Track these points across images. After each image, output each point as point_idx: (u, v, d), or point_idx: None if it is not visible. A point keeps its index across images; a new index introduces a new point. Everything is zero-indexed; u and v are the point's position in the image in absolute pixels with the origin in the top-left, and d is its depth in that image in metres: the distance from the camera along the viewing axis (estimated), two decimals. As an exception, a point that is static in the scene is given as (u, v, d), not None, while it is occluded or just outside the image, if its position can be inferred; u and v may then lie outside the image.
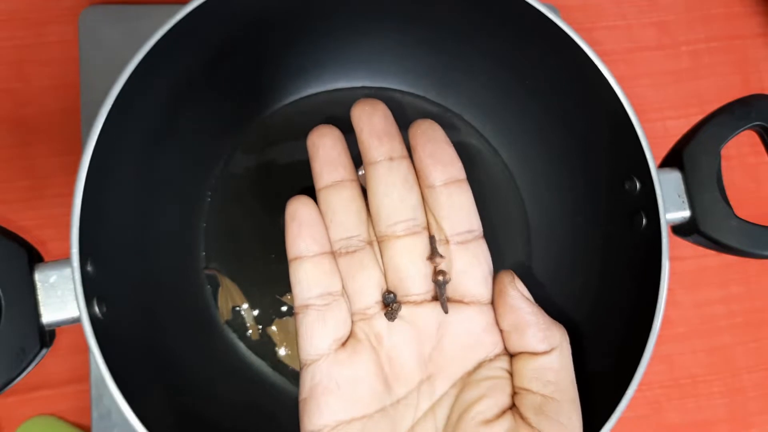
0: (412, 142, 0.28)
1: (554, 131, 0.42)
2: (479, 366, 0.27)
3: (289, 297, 0.42)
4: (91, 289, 0.31)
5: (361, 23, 0.42)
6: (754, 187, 0.52)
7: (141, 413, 0.30)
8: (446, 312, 0.27)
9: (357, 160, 0.44)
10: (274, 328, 0.42)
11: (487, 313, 0.27)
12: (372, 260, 0.28)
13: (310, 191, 0.44)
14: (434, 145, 0.27)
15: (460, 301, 0.27)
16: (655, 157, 0.34)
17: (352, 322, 0.27)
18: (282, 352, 0.42)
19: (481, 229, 0.28)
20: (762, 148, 0.37)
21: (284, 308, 0.42)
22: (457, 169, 0.27)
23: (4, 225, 0.32)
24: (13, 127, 0.46)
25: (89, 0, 0.47)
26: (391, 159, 0.28)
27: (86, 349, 0.43)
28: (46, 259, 0.32)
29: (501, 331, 0.27)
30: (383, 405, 0.26)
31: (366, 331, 0.27)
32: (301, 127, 0.45)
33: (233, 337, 0.42)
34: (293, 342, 0.42)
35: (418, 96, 0.46)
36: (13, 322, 0.30)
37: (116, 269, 0.35)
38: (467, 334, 0.27)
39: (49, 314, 0.31)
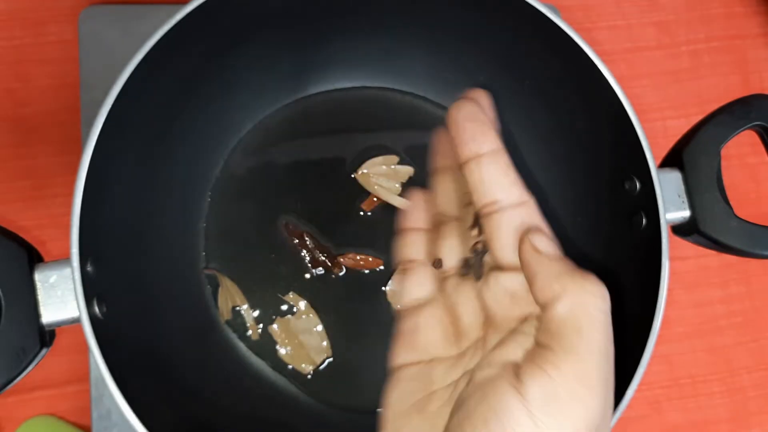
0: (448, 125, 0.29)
1: (554, 131, 0.42)
2: (523, 321, 0.28)
3: (290, 296, 0.42)
4: (90, 289, 0.31)
5: (361, 24, 0.42)
6: (754, 187, 0.52)
7: (141, 413, 0.30)
8: (477, 279, 0.30)
9: (359, 159, 0.44)
10: (275, 326, 0.42)
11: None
12: (454, 232, 0.32)
13: (312, 190, 0.44)
14: (459, 125, 0.28)
15: (508, 269, 0.28)
16: (655, 157, 0.35)
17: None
18: (282, 351, 0.42)
19: (521, 197, 0.28)
20: (762, 148, 0.37)
21: (284, 307, 0.42)
22: (487, 142, 0.28)
23: (4, 225, 0.32)
24: (13, 126, 0.46)
25: (89, 0, 0.47)
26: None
27: (86, 349, 0.43)
28: (46, 259, 0.32)
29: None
30: (446, 354, 0.30)
31: (440, 290, 0.32)
32: (301, 127, 0.45)
33: (233, 337, 0.42)
34: (294, 340, 0.42)
35: (417, 96, 0.46)
36: (13, 322, 0.30)
37: (116, 269, 0.35)
38: (511, 295, 0.28)
39: (49, 314, 0.31)
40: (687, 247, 0.38)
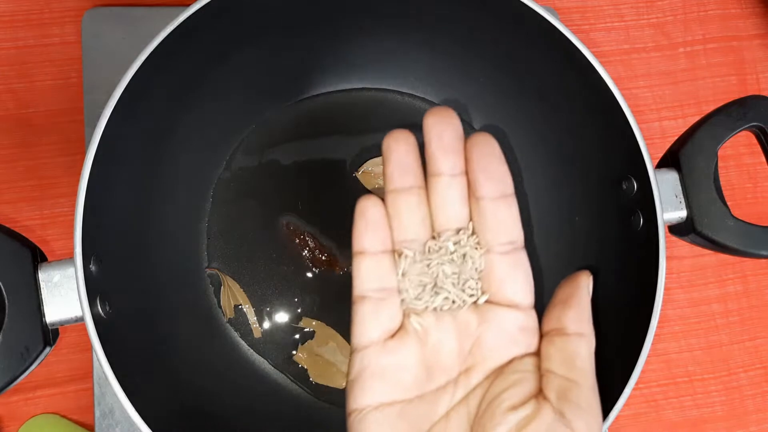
0: (468, 154, 0.29)
1: (552, 132, 0.42)
2: (511, 361, 0.29)
3: (303, 322, 0.42)
4: (94, 289, 0.31)
5: (362, 25, 0.42)
6: (750, 187, 0.52)
7: (143, 411, 0.30)
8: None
9: (359, 159, 0.45)
10: (301, 355, 0.42)
11: (524, 316, 0.29)
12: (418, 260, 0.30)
13: (313, 190, 0.44)
14: (488, 160, 0.29)
15: (499, 304, 0.29)
16: (652, 158, 0.35)
17: (405, 315, 0.29)
18: (315, 378, 0.42)
19: (522, 240, 0.29)
20: (758, 148, 0.37)
21: (297, 336, 0.43)
22: (506, 185, 0.29)
23: (9, 225, 0.32)
24: (17, 127, 0.46)
25: (92, 2, 0.47)
26: (452, 175, 0.29)
27: (89, 347, 0.43)
28: (49, 258, 0.32)
29: (548, 312, 0.29)
30: (423, 391, 0.28)
31: (415, 324, 0.29)
32: (302, 128, 0.45)
33: (235, 335, 0.42)
34: (321, 362, 0.42)
35: (417, 97, 0.46)
36: (17, 321, 0.30)
37: (119, 268, 0.35)
38: (503, 333, 0.29)
39: (52, 313, 0.31)
40: (684, 246, 0.38)
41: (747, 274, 0.51)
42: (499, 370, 0.28)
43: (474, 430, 0.27)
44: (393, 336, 0.29)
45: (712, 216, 0.35)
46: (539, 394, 0.27)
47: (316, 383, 0.42)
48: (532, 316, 0.29)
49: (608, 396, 0.33)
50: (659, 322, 0.33)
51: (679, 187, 0.36)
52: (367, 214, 0.28)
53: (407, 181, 0.29)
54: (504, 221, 0.29)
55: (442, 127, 0.29)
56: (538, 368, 0.28)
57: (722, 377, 0.49)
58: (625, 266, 0.37)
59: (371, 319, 0.28)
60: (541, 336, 0.29)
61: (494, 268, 0.29)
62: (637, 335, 0.33)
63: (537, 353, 0.29)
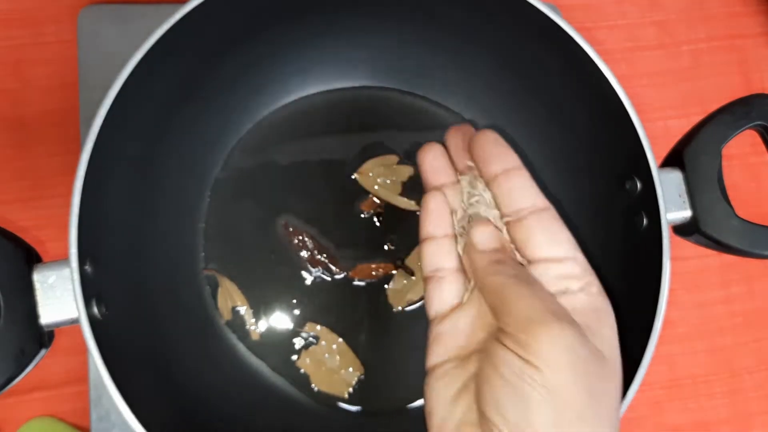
0: (470, 150, 0.33)
1: (554, 131, 0.42)
2: None
3: (308, 327, 0.42)
4: (89, 290, 0.31)
5: (362, 23, 0.42)
6: (754, 186, 0.52)
7: (140, 414, 0.30)
8: None
9: (358, 158, 0.44)
10: (306, 361, 0.42)
11: (557, 266, 0.31)
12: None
13: (311, 190, 0.44)
14: (483, 147, 0.33)
15: (531, 262, 0.32)
16: (655, 157, 0.34)
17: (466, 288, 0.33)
18: (317, 385, 0.42)
19: (541, 201, 0.32)
20: (763, 147, 0.37)
21: (298, 341, 0.42)
22: (505, 161, 0.33)
23: (3, 225, 0.32)
24: (12, 127, 0.45)
25: (88, -1, 0.47)
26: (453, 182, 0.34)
27: (85, 349, 0.43)
28: (44, 259, 0.32)
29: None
30: (485, 346, 0.31)
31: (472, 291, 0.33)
32: (301, 127, 0.45)
33: (233, 337, 0.42)
34: (323, 368, 0.42)
35: (418, 95, 0.46)
36: (12, 323, 0.30)
37: (115, 270, 0.35)
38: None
39: (47, 315, 0.31)
40: (688, 247, 0.37)
41: (751, 275, 0.51)
42: None
43: None
44: (457, 305, 0.32)
45: (716, 216, 0.35)
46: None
47: (318, 389, 0.42)
48: (568, 264, 0.31)
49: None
50: (663, 324, 0.33)
51: (683, 187, 0.35)
52: (428, 205, 0.33)
53: (441, 180, 0.34)
54: (512, 190, 0.32)
55: (456, 137, 0.34)
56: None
57: (726, 379, 0.49)
58: (629, 267, 0.37)
59: (436, 295, 0.33)
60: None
61: (516, 234, 0.32)
62: (641, 337, 0.33)
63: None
